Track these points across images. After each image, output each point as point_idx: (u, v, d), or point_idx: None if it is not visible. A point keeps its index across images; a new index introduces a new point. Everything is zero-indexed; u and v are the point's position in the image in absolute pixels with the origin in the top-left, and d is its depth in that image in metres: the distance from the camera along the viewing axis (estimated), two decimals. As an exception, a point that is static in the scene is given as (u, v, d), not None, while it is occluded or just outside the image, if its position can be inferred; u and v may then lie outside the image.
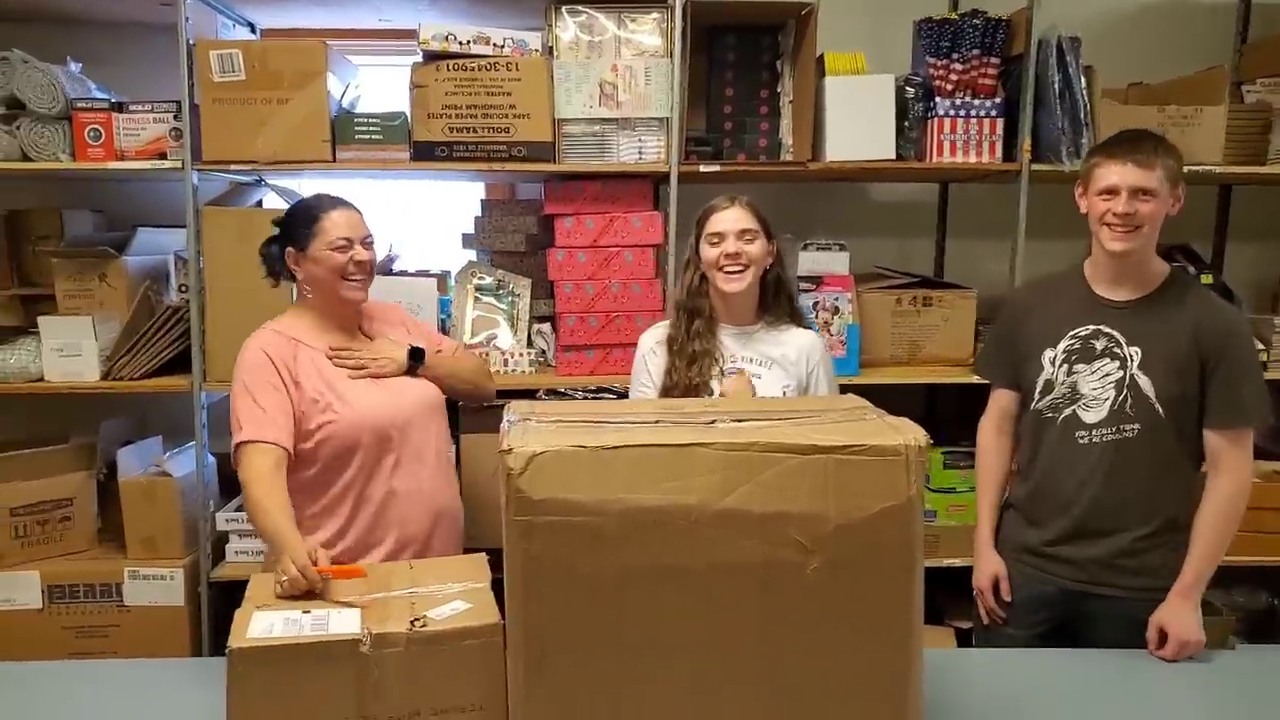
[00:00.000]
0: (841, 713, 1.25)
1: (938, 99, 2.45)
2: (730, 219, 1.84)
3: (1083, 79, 2.44)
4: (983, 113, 2.45)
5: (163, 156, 2.34)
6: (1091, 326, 1.78)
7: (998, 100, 2.47)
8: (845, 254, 2.54)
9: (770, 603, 1.22)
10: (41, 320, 2.37)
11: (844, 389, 1.93)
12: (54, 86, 2.30)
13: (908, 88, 2.45)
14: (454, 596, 1.36)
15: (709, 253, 1.85)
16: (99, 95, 2.41)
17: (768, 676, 1.23)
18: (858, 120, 2.40)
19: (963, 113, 2.45)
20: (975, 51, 2.46)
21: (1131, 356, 1.75)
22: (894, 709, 1.25)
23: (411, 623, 1.27)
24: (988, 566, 1.90)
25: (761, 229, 1.86)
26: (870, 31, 2.74)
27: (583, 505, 1.18)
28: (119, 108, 2.33)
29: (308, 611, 1.32)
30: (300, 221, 1.83)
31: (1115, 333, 1.77)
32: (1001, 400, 1.95)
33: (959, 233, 2.94)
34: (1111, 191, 1.71)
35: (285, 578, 1.40)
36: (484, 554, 1.54)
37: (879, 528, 1.22)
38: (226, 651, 1.21)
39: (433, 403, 1.91)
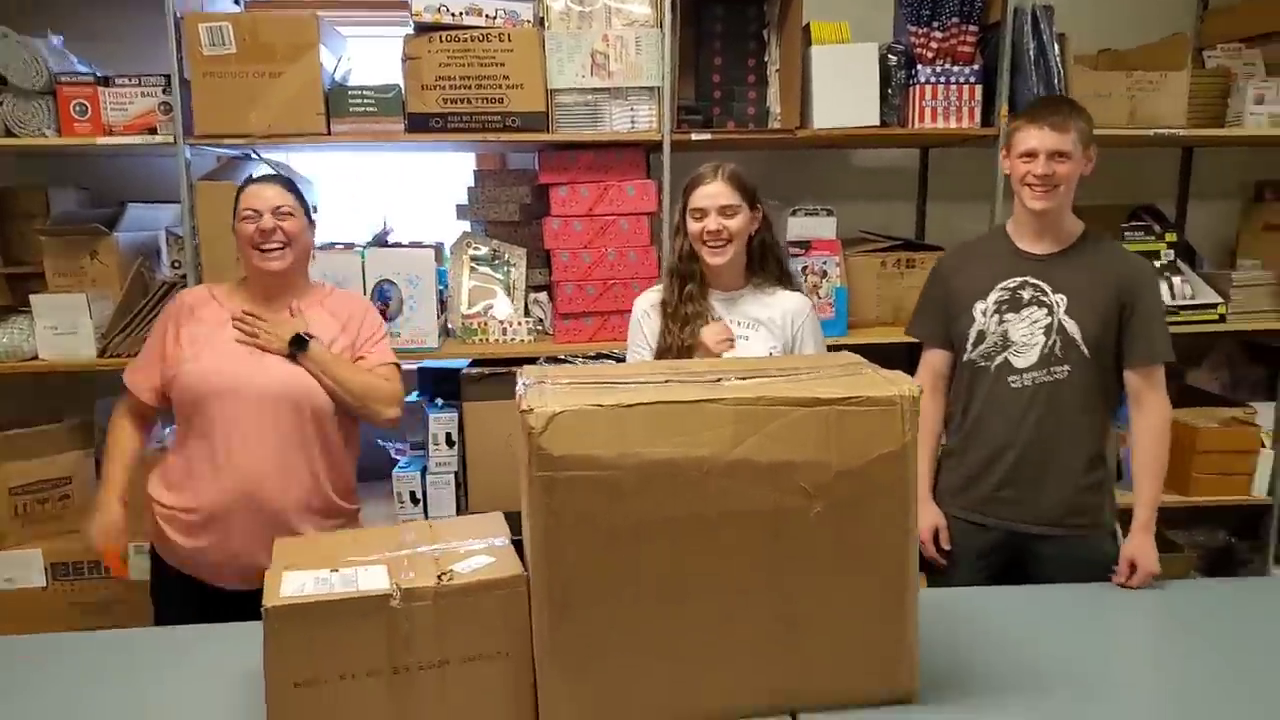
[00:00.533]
0: (848, 644, 1.34)
1: (919, 66, 2.52)
2: (711, 195, 1.89)
3: (1056, 46, 2.52)
4: (962, 79, 2.52)
5: (151, 131, 2.33)
6: (1019, 278, 1.91)
7: (976, 67, 2.54)
8: (832, 219, 2.62)
9: (779, 546, 1.30)
10: (35, 299, 2.37)
11: (834, 349, 2.01)
12: (37, 61, 2.27)
13: (890, 55, 2.52)
14: (477, 552, 1.40)
15: (692, 226, 1.91)
16: (82, 69, 2.39)
17: (778, 615, 1.32)
18: (844, 88, 2.46)
19: (943, 79, 2.52)
20: (954, 20, 2.53)
21: (1058, 303, 1.88)
22: (895, 637, 1.35)
23: (439, 577, 1.31)
24: (927, 519, 1.99)
25: (744, 200, 1.90)
26: (854, 1, 2.79)
27: (601, 460, 1.25)
28: (105, 82, 2.31)
29: (336, 570, 1.36)
30: (235, 199, 1.93)
31: (1041, 282, 1.89)
32: (933, 359, 2.05)
33: (939, 196, 3.02)
34: (1031, 154, 1.84)
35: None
36: (500, 513, 1.61)
37: (877, 472, 1.30)
38: (262, 610, 1.25)
39: (295, 393, 1.85)
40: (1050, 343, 1.88)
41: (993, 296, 1.93)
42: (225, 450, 1.83)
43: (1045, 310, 1.89)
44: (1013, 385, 1.91)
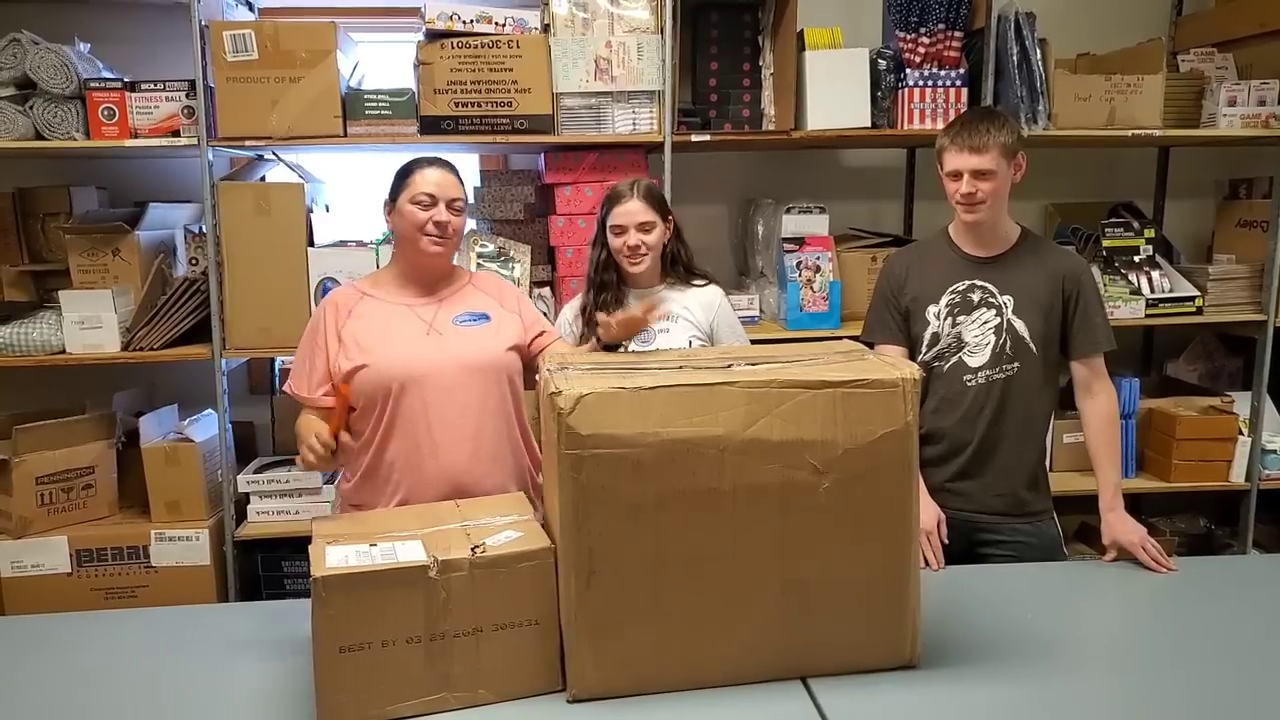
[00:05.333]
0: (853, 609, 1.44)
1: (907, 70, 2.63)
2: (630, 213, 2.02)
3: (1038, 51, 2.63)
4: (948, 83, 2.64)
5: (175, 134, 2.42)
6: (967, 281, 2.00)
7: (961, 71, 2.65)
8: (825, 216, 2.73)
9: (789, 518, 1.40)
10: (63, 295, 2.45)
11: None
12: (67, 67, 2.36)
13: (880, 60, 2.62)
14: (504, 527, 1.49)
15: (614, 240, 2.05)
16: (108, 75, 2.47)
17: (787, 583, 1.42)
18: (836, 91, 2.57)
19: (930, 83, 2.63)
20: (940, 26, 2.64)
21: (1005, 304, 1.98)
22: (898, 606, 1.45)
23: (472, 549, 1.39)
24: (929, 513, 1.96)
25: (658, 214, 2.04)
26: (845, 7, 2.90)
27: (625, 438, 1.35)
28: (132, 87, 2.40)
29: (375, 544, 1.45)
30: (398, 175, 1.85)
31: (988, 285, 1.99)
32: (892, 354, 2.03)
33: (925, 195, 3.11)
34: (956, 174, 1.92)
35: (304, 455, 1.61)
36: (521, 493, 1.70)
37: (881, 450, 1.41)
38: (310, 580, 1.33)
39: (484, 365, 1.82)
40: (1001, 342, 1.97)
41: (944, 300, 2.00)
42: (430, 441, 1.79)
43: (994, 311, 1.98)
44: (967, 384, 1.99)
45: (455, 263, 1.97)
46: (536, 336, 1.94)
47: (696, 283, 2.13)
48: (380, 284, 1.90)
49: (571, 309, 2.14)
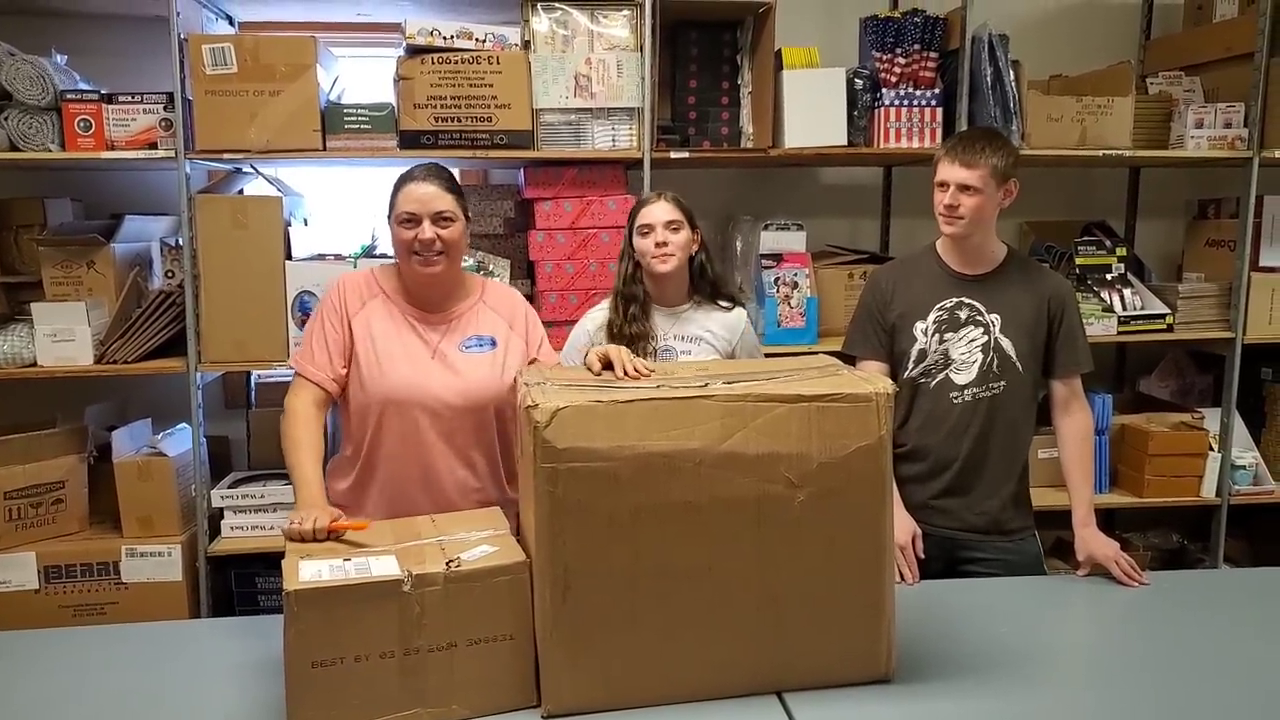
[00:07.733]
0: (828, 623, 1.44)
1: (884, 90, 2.67)
2: (657, 212, 2.02)
3: (1011, 72, 2.68)
4: (923, 102, 2.67)
5: (152, 146, 2.41)
6: (955, 299, 2.02)
7: (936, 91, 2.69)
8: (802, 233, 2.75)
9: (764, 531, 1.41)
10: (35, 307, 2.42)
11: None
12: (43, 79, 2.34)
13: (856, 80, 2.66)
14: (480, 541, 1.49)
15: (641, 243, 2.03)
16: (85, 87, 2.46)
17: (763, 595, 1.42)
18: (813, 110, 2.60)
19: (906, 102, 2.67)
20: (916, 47, 2.69)
21: (993, 322, 1.99)
22: (873, 619, 1.46)
23: (447, 564, 1.39)
24: (905, 527, 1.96)
25: (685, 219, 2.03)
26: (822, 27, 2.95)
27: (601, 452, 1.35)
28: (109, 99, 2.38)
29: (349, 559, 1.44)
30: (393, 189, 1.81)
31: (976, 303, 2.01)
32: (872, 370, 2.04)
33: (901, 212, 3.16)
34: (943, 185, 1.95)
35: (296, 524, 1.53)
36: (498, 507, 1.70)
37: (855, 464, 1.42)
38: (283, 594, 1.32)
39: (486, 398, 1.81)
40: (988, 360, 1.99)
41: (932, 316, 2.01)
42: (420, 467, 1.79)
43: (982, 329, 2.00)
44: (954, 401, 2.00)
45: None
46: (531, 363, 1.90)
47: (723, 304, 2.11)
48: (392, 285, 1.87)
49: (593, 321, 2.09)
